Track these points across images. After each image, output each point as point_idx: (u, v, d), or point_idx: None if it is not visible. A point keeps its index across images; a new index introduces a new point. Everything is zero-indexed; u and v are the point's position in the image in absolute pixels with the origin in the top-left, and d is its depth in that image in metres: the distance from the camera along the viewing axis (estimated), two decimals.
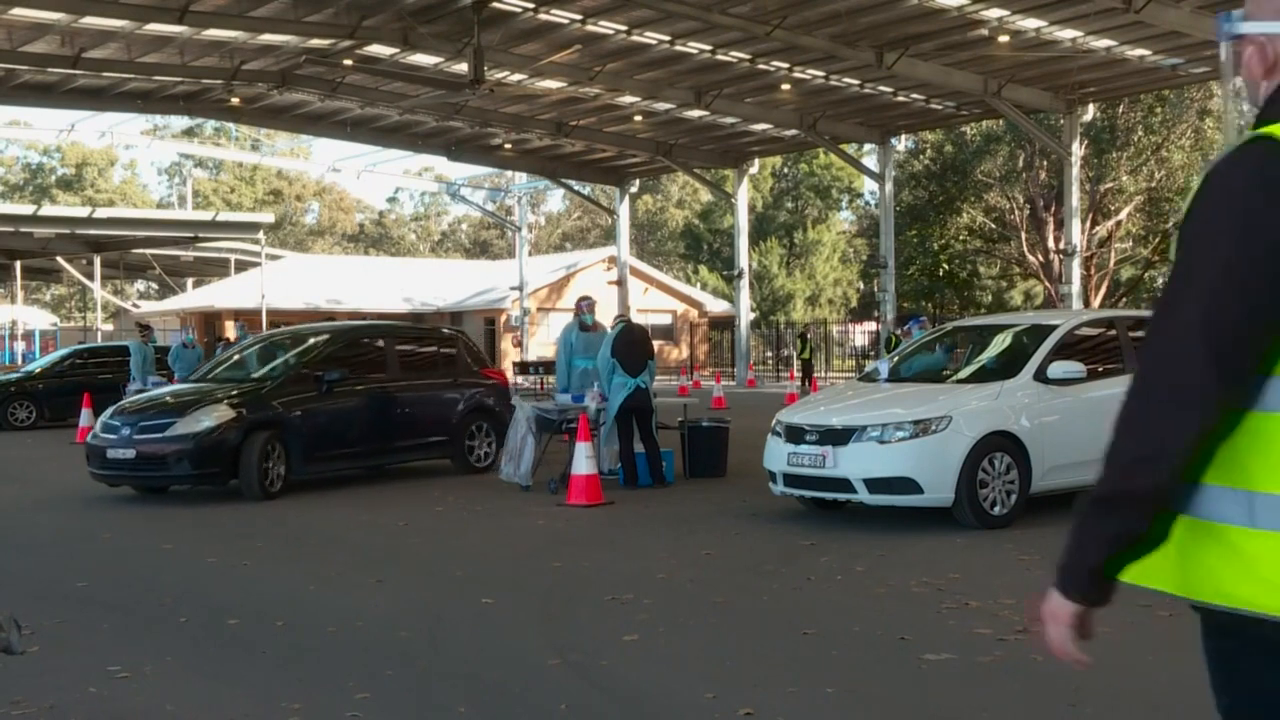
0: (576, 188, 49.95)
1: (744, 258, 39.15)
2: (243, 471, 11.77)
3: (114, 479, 12.25)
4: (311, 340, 13.83)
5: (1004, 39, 24.34)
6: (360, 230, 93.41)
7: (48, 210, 47.77)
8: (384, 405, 13.27)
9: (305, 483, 12.65)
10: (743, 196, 38.72)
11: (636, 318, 14.59)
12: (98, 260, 47.37)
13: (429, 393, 13.94)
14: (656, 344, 16.72)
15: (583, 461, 11.09)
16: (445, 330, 16.95)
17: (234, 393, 12.31)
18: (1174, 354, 1.91)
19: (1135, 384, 2.00)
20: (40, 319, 61.69)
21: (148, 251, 49.93)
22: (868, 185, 56.29)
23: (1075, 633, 2.06)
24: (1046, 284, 39.12)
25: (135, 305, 62.12)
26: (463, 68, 26.16)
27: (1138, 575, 2.04)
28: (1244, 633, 1.95)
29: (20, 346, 48.16)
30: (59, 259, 48.10)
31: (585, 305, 13.62)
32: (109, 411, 12.68)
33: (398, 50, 27.10)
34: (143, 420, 11.96)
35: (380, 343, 14.07)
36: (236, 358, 14.31)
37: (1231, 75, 2.10)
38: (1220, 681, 2.05)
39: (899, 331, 25.85)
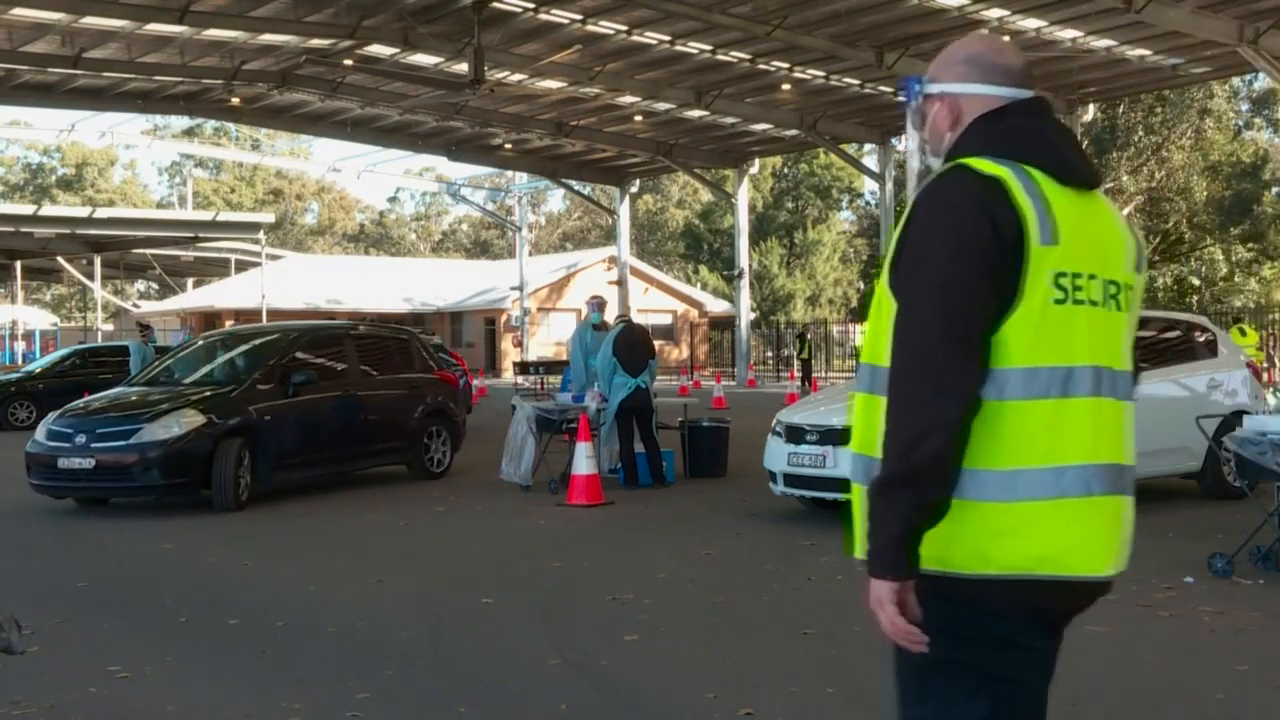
0: (577, 188, 49.96)
1: (744, 258, 39.15)
2: (216, 481, 10.95)
3: (64, 491, 11.32)
4: (265, 341, 13.01)
5: (1004, 39, 24.36)
6: (360, 230, 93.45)
7: (48, 210, 47.79)
8: (350, 410, 12.56)
9: (305, 483, 12.62)
10: (743, 196, 38.72)
11: (637, 318, 14.59)
12: (98, 260, 47.39)
13: (392, 397, 13.23)
14: (657, 344, 16.72)
15: (583, 461, 11.09)
16: (400, 330, 15.96)
17: (200, 396, 11.47)
18: (925, 349, 2.11)
19: (894, 383, 2.16)
20: (40, 319, 61.72)
21: (148, 251, 49.96)
22: (868, 185, 56.31)
23: (901, 611, 2.21)
24: None
25: (135, 305, 62.16)
26: (463, 68, 26.16)
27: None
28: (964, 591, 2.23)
29: (20, 346, 48.18)
30: (59, 259, 48.13)
31: (596, 304, 13.87)
32: (54, 417, 11.60)
33: (398, 50, 27.10)
34: (102, 426, 11.00)
35: (340, 344, 13.21)
36: (179, 358, 13.40)
37: (920, 128, 2.46)
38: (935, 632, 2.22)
39: None
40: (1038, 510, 2.16)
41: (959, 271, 2.13)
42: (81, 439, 10.90)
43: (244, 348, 13.16)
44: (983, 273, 2.13)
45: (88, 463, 10.83)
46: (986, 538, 2.16)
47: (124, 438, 10.85)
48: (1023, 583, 2.19)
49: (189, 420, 10.99)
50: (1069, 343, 2.20)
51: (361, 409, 12.70)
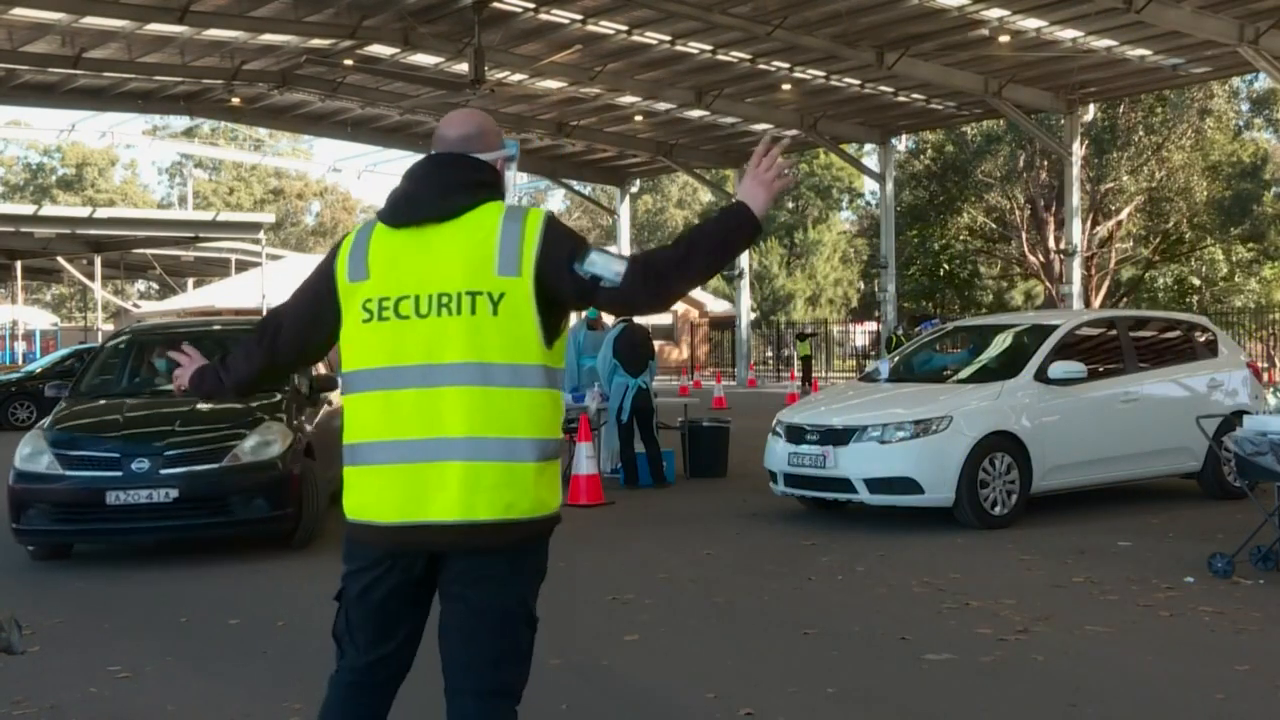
0: (577, 188, 49.94)
1: (744, 257, 39.14)
2: (309, 508, 8.72)
3: (112, 536, 8.62)
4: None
5: (1004, 39, 24.33)
6: None
7: (48, 210, 47.75)
8: None
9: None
10: None
11: (637, 318, 14.56)
12: (98, 260, 47.37)
13: None
14: (657, 344, 16.72)
15: (584, 462, 11.09)
16: None
17: (264, 403, 8.83)
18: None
19: None
20: (41, 319, 61.74)
21: (148, 251, 49.91)
22: (868, 185, 56.27)
23: None
24: (1047, 284, 39.10)
25: (136, 305, 62.11)
26: (463, 68, 26.16)
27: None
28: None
29: (21, 346, 48.19)
30: (59, 259, 48.09)
31: None
32: (49, 436, 8.56)
33: (398, 50, 27.10)
34: (177, 444, 8.36)
35: None
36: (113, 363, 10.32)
37: (512, 179, 3.10)
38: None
39: (914, 332, 25.80)
40: (351, 473, 3.04)
41: (297, 291, 3.28)
42: (143, 463, 8.18)
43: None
44: (307, 294, 3.21)
45: (164, 494, 8.11)
46: (346, 493, 3.07)
47: (216, 458, 8.33)
48: (353, 525, 3.06)
49: (281, 433, 8.62)
50: (373, 351, 2.98)
51: None
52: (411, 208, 3.04)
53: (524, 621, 3.09)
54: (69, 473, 8.29)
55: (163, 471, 8.19)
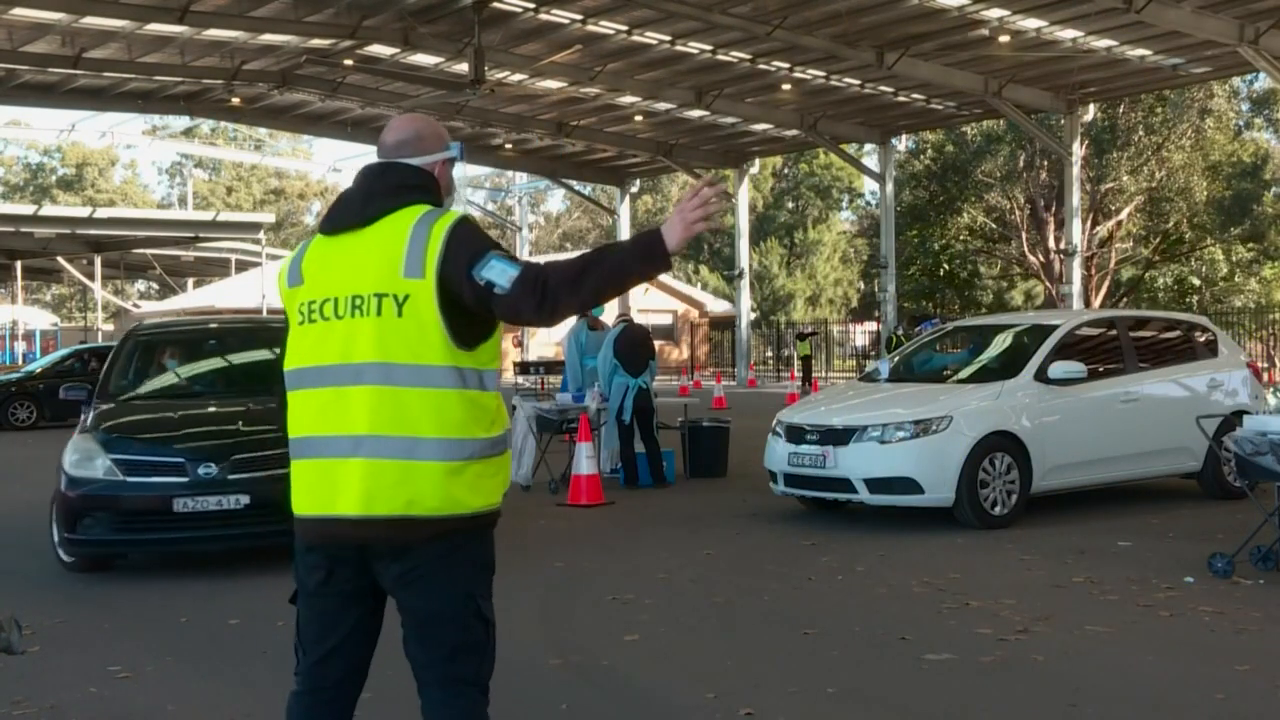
0: (577, 188, 49.95)
1: (744, 258, 39.15)
2: None
3: (177, 545, 8.14)
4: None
5: (1004, 39, 24.33)
6: None
7: (48, 210, 47.74)
8: None
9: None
10: (743, 196, 38.72)
11: (637, 318, 14.57)
12: (98, 260, 47.37)
13: None
14: (657, 344, 16.73)
15: (584, 461, 11.09)
16: None
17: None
18: None
19: None
20: (41, 319, 61.73)
21: (148, 251, 49.91)
22: (868, 185, 56.29)
23: None
24: (1047, 284, 39.11)
25: (136, 305, 62.11)
26: (463, 68, 26.16)
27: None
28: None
29: (21, 346, 48.18)
30: (59, 259, 48.10)
31: None
32: (100, 439, 8.03)
33: (398, 50, 27.10)
34: (251, 450, 7.94)
35: None
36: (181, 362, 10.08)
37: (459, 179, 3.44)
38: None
39: (914, 332, 25.82)
40: (293, 467, 3.19)
41: None
42: (210, 468, 7.74)
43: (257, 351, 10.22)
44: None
45: (234, 501, 7.73)
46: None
47: (285, 461, 7.53)
48: (298, 519, 3.20)
49: None
50: (308, 351, 3.12)
51: None
52: (339, 215, 3.18)
53: (472, 615, 3.13)
54: (130, 479, 7.78)
55: (231, 476, 7.76)
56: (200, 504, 7.71)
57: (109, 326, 54.45)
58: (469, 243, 3.03)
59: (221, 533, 7.90)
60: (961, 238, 43.22)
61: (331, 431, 3.08)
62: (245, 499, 7.74)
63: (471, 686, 3.16)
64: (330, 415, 3.08)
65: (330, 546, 3.15)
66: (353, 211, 3.16)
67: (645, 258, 3.01)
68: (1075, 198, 30.05)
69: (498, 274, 2.97)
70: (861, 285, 58.56)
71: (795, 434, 9.94)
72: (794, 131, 33.19)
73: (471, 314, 3.05)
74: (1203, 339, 11.35)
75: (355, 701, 3.29)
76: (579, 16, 24.66)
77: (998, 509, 9.43)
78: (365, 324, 3.03)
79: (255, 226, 45.39)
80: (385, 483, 3.00)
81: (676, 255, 3.05)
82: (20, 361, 39.34)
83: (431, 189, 3.22)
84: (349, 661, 3.23)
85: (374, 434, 3.01)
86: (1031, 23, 23.75)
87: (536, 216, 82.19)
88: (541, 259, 3.49)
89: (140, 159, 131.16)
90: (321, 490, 3.10)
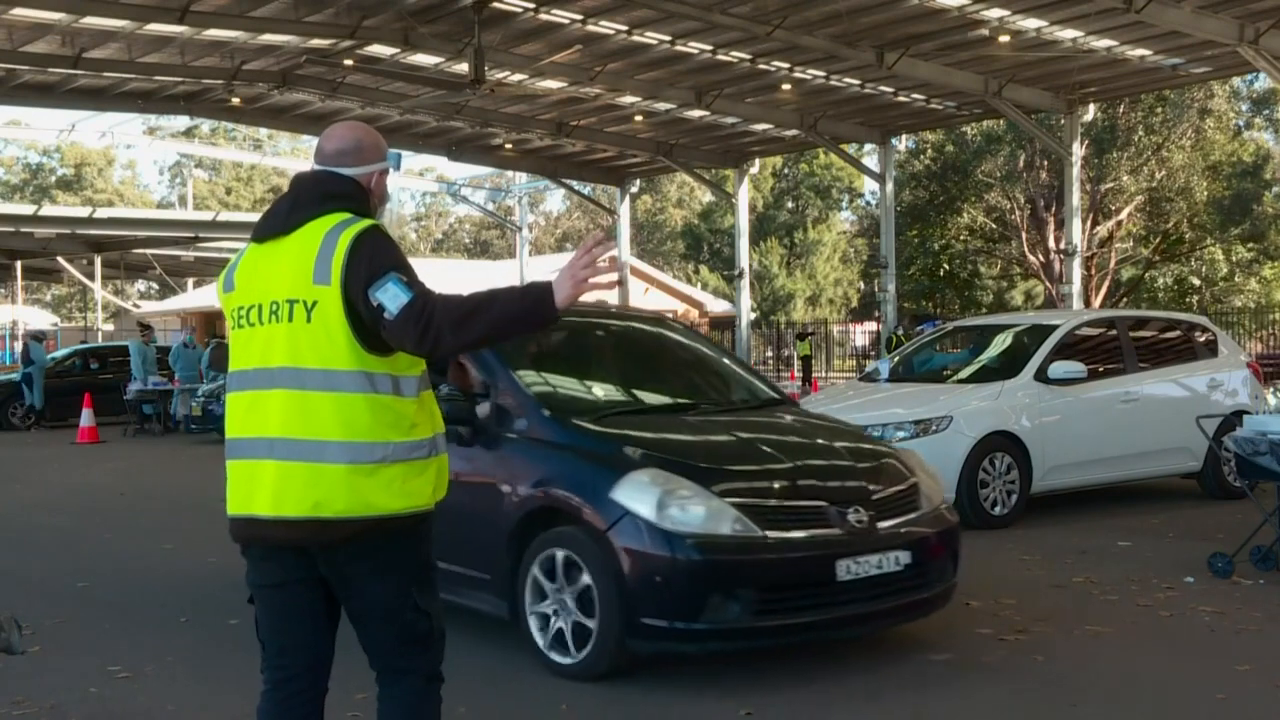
0: (577, 188, 49.94)
1: (744, 258, 39.13)
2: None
3: (850, 627, 5.64)
4: None
5: (1004, 39, 24.31)
6: None
7: (48, 210, 47.74)
8: None
9: None
10: (743, 196, 38.71)
11: None
12: (98, 260, 47.36)
13: None
14: None
15: None
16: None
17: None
18: None
19: None
20: (41, 319, 61.69)
21: (148, 251, 49.89)
22: (868, 185, 56.27)
23: None
24: (1047, 284, 39.11)
25: (136, 305, 62.13)
26: (463, 68, 26.14)
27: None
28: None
29: (20, 346, 48.11)
30: (59, 259, 48.09)
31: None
32: (689, 467, 5.46)
33: (398, 50, 27.08)
34: (884, 485, 5.80)
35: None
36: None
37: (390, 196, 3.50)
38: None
39: (914, 332, 25.83)
40: (228, 467, 3.23)
41: None
42: (860, 514, 5.47)
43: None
44: None
45: (893, 560, 5.51)
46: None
47: (915, 502, 5.89)
48: (228, 519, 3.26)
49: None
50: (239, 355, 3.22)
51: None
52: (267, 223, 3.28)
53: (410, 610, 3.20)
54: (772, 534, 5.27)
55: (882, 525, 5.53)
56: (862, 567, 5.38)
57: (109, 326, 54.46)
58: (372, 258, 3.05)
59: (887, 605, 5.57)
60: (961, 238, 43.21)
61: (251, 434, 3.16)
62: (905, 556, 5.52)
63: (413, 675, 3.27)
64: (251, 418, 3.16)
65: (254, 545, 3.23)
66: (279, 219, 3.25)
67: (533, 311, 3.03)
68: (1075, 198, 30.04)
69: (390, 298, 3.00)
70: (861, 285, 58.54)
71: None
72: (794, 131, 33.17)
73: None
74: (1203, 339, 11.36)
75: (323, 693, 3.35)
76: (579, 16, 24.65)
77: (998, 509, 9.43)
78: (280, 330, 3.13)
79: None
80: (294, 485, 3.08)
81: (562, 312, 3.04)
82: (20, 362, 39.29)
83: (359, 198, 3.26)
84: (308, 654, 3.28)
85: (285, 436, 3.09)
86: (1031, 23, 23.74)
87: (536, 216, 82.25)
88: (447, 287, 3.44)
89: (140, 159, 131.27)
90: (243, 491, 3.19)
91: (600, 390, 6.75)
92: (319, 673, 3.32)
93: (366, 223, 3.15)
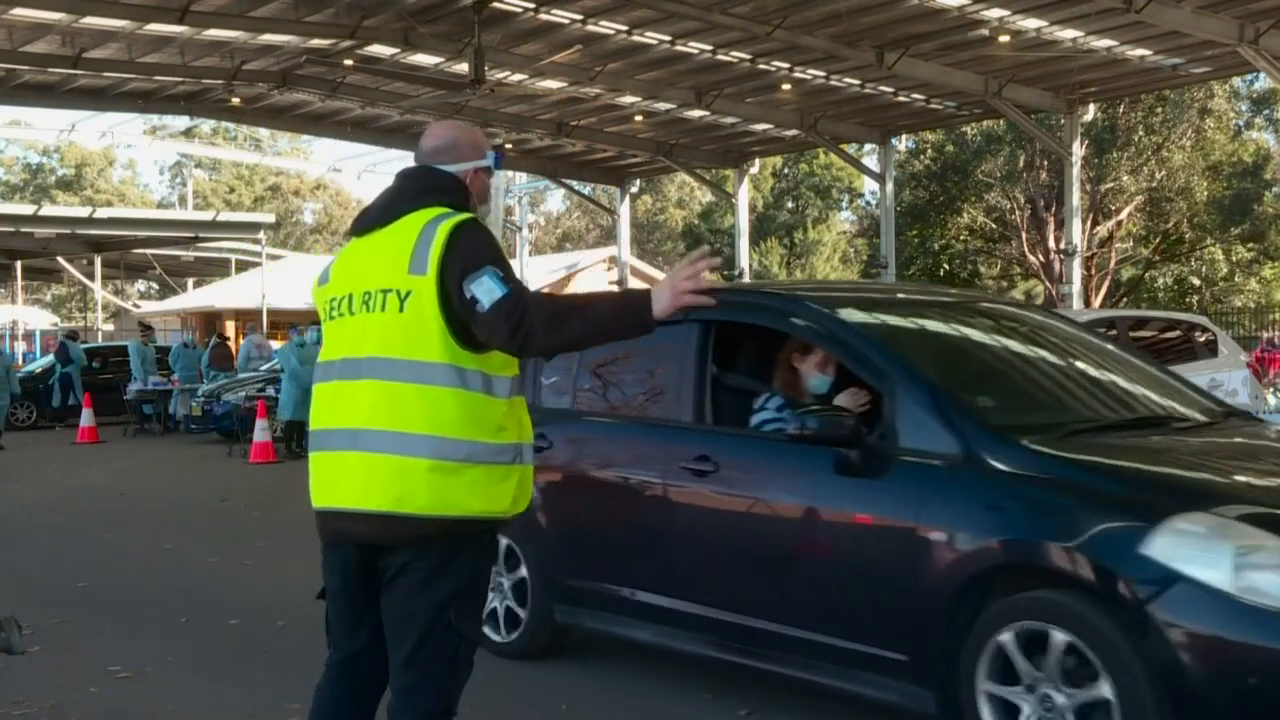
0: (577, 188, 49.96)
1: (744, 258, 39.15)
2: None
3: None
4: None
5: (1004, 39, 24.32)
6: None
7: (48, 210, 47.72)
8: None
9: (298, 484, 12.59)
10: (743, 196, 38.72)
11: None
12: (98, 260, 47.36)
13: None
14: None
15: None
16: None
17: None
18: None
19: None
20: (41, 319, 61.70)
21: (148, 251, 49.88)
22: (868, 185, 56.29)
23: None
24: (1047, 284, 39.12)
25: (136, 305, 62.12)
26: (463, 68, 26.14)
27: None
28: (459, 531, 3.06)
29: (21, 347, 48.16)
30: (59, 259, 48.08)
31: None
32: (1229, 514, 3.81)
33: (398, 50, 27.09)
34: None
35: None
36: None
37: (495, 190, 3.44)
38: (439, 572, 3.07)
39: None
40: (310, 460, 3.21)
41: None
42: None
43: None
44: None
45: None
46: None
47: None
48: (315, 512, 3.21)
49: None
50: (329, 346, 3.21)
51: None
52: (363, 218, 3.31)
53: (443, 625, 3.06)
54: None
55: None
56: None
57: (109, 326, 54.49)
58: (470, 250, 3.03)
59: None
60: (961, 238, 43.23)
61: (336, 424, 3.13)
62: None
63: (417, 699, 3.06)
64: (336, 408, 3.13)
65: (341, 549, 3.18)
66: (376, 214, 3.26)
67: (629, 319, 3.01)
68: (1075, 198, 30.05)
69: (484, 292, 2.97)
70: None
71: None
72: (794, 131, 33.18)
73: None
74: (1203, 339, 11.37)
75: (382, 691, 3.26)
76: (579, 16, 24.65)
77: None
78: (373, 319, 3.09)
79: (255, 226, 45.38)
80: (378, 477, 3.02)
81: (658, 322, 2.98)
82: (20, 362, 39.32)
83: (457, 194, 3.24)
84: (377, 659, 3.20)
85: (370, 428, 3.04)
86: (1031, 23, 23.74)
87: (536, 216, 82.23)
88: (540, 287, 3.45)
89: (140, 159, 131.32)
90: (326, 482, 3.15)
91: (1028, 400, 5.09)
92: (376, 681, 3.24)
93: (466, 215, 3.14)
